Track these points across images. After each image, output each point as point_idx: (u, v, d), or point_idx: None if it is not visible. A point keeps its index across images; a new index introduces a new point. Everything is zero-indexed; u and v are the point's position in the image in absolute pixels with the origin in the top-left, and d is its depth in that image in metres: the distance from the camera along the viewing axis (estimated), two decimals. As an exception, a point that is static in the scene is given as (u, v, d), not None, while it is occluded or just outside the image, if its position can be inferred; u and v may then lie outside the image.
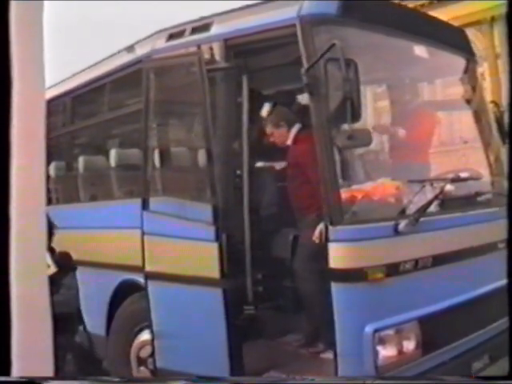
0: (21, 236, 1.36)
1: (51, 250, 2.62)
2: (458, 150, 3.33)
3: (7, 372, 1.29)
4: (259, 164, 3.02)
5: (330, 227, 2.08)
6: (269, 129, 2.66)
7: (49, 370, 1.38)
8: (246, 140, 2.65)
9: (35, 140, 1.43)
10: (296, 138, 2.59)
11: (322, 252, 2.16)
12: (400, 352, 2.10)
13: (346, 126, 1.96)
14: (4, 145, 1.35)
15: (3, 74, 1.35)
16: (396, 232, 2.14)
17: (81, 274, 3.09)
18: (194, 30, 2.62)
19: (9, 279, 1.32)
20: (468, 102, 3.05)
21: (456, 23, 4.17)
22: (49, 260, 2.13)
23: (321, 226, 2.29)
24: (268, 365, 2.41)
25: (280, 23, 2.25)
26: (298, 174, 2.51)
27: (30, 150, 1.41)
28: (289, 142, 2.62)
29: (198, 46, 2.45)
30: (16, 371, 1.30)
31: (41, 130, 1.45)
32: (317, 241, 2.35)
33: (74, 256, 3.19)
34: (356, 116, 1.92)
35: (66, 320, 2.41)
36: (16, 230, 1.34)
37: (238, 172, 2.68)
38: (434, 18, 2.84)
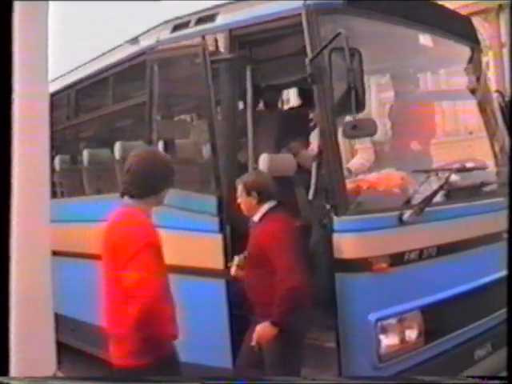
0: (23, 231, 1.36)
1: None
2: (463, 141, 3.31)
3: (5, 372, 1.28)
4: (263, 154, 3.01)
5: (335, 217, 2.08)
6: (238, 191, 2.19)
7: (51, 369, 1.37)
8: (250, 131, 2.64)
9: (39, 133, 1.43)
10: (265, 216, 2.12)
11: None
12: (402, 341, 2.12)
13: (350, 116, 1.96)
14: (6, 139, 1.35)
15: (5, 66, 1.35)
16: (401, 222, 2.14)
17: (85, 265, 3.12)
18: (199, 21, 2.62)
19: (8, 274, 1.32)
20: (473, 91, 3.03)
21: (462, 12, 4.12)
22: None
23: (260, 326, 2.00)
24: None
25: (285, 13, 2.25)
26: (260, 263, 2.06)
27: (34, 143, 1.41)
28: (255, 219, 2.16)
29: (203, 37, 2.44)
30: (15, 370, 1.29)
31: (45, 123, 1.45)
32: (255, 347, 2.00)
33: (79, 249, 3.23)
34: (360, 106, 1.92)
35: None
36: (19, 224, 1.34)
37: (243, 163, 2.68)
38: (440, 7, 2.80)
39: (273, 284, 1.98)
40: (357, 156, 2.45)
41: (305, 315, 2.07)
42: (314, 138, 2.76)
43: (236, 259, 2.17)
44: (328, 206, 2.21)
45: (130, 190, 1.71)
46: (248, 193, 2.15)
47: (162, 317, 1.60)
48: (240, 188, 2.18)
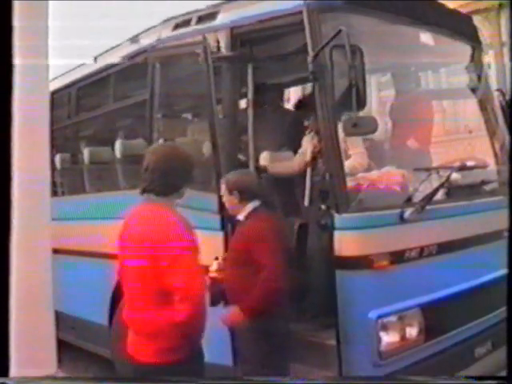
0: (24, 230, 1.35)
1: None
2: (463, 139, 3.31)
3: (5, 372, 1.29)
4: (265, 153, 3.02)
5: (336, 215, 2.08)
6: (222, 190, 2.22)
7: (52, 367, 1.39)
8: (251, 129, 2.65)
9: (39, 132, 1.42)
10: (251, 215, 2.12)
11: None
12: (403, 338, 2.13)
13: (351, 114, 1.96)
14: (6, 136, 1.35)
15: (5, 65, 1.35)
16: (402, 220, 2.15)
17: (86, 264, 3.12)
18: (201, 19, 2.62)
19: (9, 273, 1.33)
20: (473, 90, 3.03)
21: (463, 10, 4.12)
22: None
23: (229, 309, 1.99)
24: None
25: (287, 10, 2.25)
26: (245, 262, 2.03)
27: (34, 142, 1.41)
28: (240, 217, 2.16)
29: (204, 35, 2.44)
30: (15, 369, 1.29)
31: (45, 122, 1.45)
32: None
33: (79, 247, 3.23)
34: (361, 103, 1.92)
35: None
36: (19, 223, 1.33)
37: (243, 159, 2.68)
38: (441, 5, 2.81)
39: (256, 283, 1.97)
40: (350, 159, 2.45)
41: (283, 315, 2.06)
42: (308, 144, 2.77)
43: (214, 265, 2.13)
44: (324, 207, 2.22)
45: (153, 187, 1.67)
46: (230, 192, 2.16)
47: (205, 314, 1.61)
48: (223, 187, 2.20)
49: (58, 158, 3.77)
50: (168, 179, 1.68)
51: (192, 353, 1.63)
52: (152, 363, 1.59)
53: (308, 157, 2.68)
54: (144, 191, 1.71)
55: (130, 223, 1.72)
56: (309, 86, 2.31)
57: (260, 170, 2.72)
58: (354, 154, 2.38)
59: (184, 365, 1.58)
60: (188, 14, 2.73)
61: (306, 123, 2.85)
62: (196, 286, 1.57)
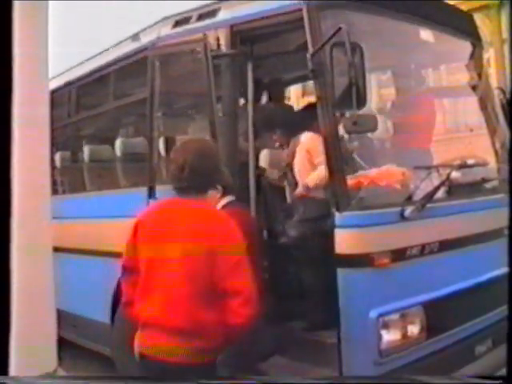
0: (24, 229, 1.35)
1: None
2: (463, 138, 3.31)
3: (4, 371, 1.28)
4: (265, 151, 3.02)
5: (337, 213, 2.08)
6: None
7: (52, 366, 1.38)
8: (251, 127, 2.65)
9: (39, 131, 1.42)
10: (224, 209, 2.14)
11: None
12: (404, 336, 2.12)
13: (351, 112, 1.96)
14: (6, 135, 1.35)
15: (5, 65, 1.35)
16: (403, 218, 2.14)
17: (87, 261, 3.12)
18: (201, 17, 2.62)
19: (9, 271, 1.32)
20: (474, 88, 3.03)
21: (464, 7, 4.11)
22: None
23: None
24: (272, 350, 2.44)
25: (287, 8, 2.24)
26: None
27: (34, 141, 1.40)
28: None
29: (204, 33, 2.44)
30: (15, 367, 1.29)
31: (45, 120, 1.45)
32: None
33: (81, 245, 3.23)
34: (361, 101, 1.91)
35: None
36: (20, 222, 1.33)
37: (243, 157, 2.68)
38: (442, 3, 2.81)
39: None
40: (315, 171, 2.45)
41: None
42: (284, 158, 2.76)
43: None
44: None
45: (193, 186, 1.63)
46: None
47: None
48: None
49: (58, 156, 3.78)
50: (208, 177, 1.64)
51: (221, 353, 1.61)
52: (180, 363, 1.51)
53: (282, 171, 2.70)
54: (181, 190, 1.65)
55: (168, 218, 1.63)
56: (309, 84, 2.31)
57: (259, 169, 2.72)
58: (319, 164, 2.38)
59: (212, 365, 1.55)
60: (188, 11, 2.72)
61: (274, 137, 2.87)
62: (255, 289, 1.54)
